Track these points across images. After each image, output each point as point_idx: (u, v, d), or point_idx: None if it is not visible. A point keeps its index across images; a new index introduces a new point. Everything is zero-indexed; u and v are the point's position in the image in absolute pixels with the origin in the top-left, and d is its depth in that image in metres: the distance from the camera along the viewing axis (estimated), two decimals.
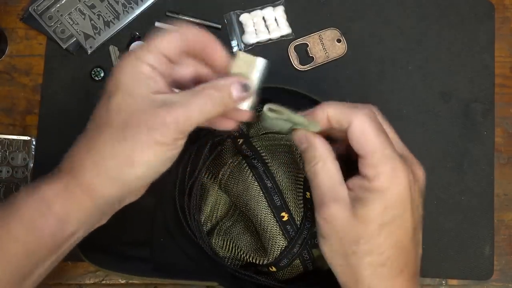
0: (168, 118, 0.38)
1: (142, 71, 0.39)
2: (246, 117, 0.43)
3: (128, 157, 0.38)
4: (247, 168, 0.53)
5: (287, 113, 0.41)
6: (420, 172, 0.43)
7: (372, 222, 0.40)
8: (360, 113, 0.41)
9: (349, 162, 0.43)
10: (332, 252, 0.41)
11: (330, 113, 0.42)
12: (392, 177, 0.40)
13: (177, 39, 0.41)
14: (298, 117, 0.42)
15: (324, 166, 0.42)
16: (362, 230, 0.40)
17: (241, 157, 0.53)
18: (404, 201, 0.40)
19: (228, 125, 0.44)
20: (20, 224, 0.39)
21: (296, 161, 0.53)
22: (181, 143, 0.40)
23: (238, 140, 0.54)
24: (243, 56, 0.42)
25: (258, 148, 0.53)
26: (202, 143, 0.54)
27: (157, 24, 0.63)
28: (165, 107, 0.38)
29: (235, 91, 0.40)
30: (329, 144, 0.42)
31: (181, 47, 0.41)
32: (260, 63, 0.42)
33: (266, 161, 0.53)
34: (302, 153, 0.43)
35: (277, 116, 0.42)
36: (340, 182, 0.41)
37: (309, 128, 0.42)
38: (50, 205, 0.39)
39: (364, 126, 0.40)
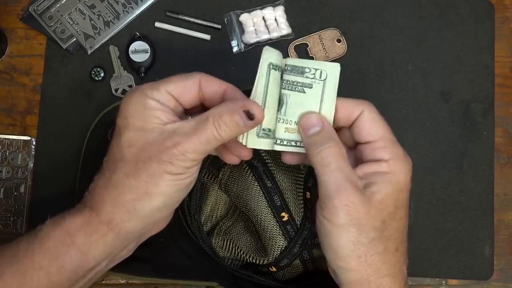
0: (175, 150, 0.38)
1: (148, 105, 0.40)
2: (247, 155, 0.43)
3: (143, 190, 0.39)
4: (247, 168, 0.53)
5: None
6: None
7: (389, 206, 0.39)
8: (369, 103, 0.42)
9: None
10: (350, 242, 0.38)
11: (340, 103, 0.42)
12: (405, 161, 0.41)
13: (189, 88, 0.41)
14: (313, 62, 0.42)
15: (342, 150, 0.40)
16: (381, 215, 0.39)
17: None
18: (409, 186, 0.41)
19: (233, 160, 0.44)
20: (44, 254, 0.40)
21: None
22: (194, 169, 0.41)
23: None
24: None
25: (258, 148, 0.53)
26: None
27: (157, 24, 0.63)
28: (173, 138, 0.39)
29: (240, 120, 0.39)
30: None
31: (192, 93, 0.42)
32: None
33: (266, 161, 0.53)
34: (311, 137, 0.41)
35: (275, 56, 0.41)
36: (353, 170, 0.40)
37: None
38: (73, 237, 0.40)
39: (374, 114, 0.42)
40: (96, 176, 0.42)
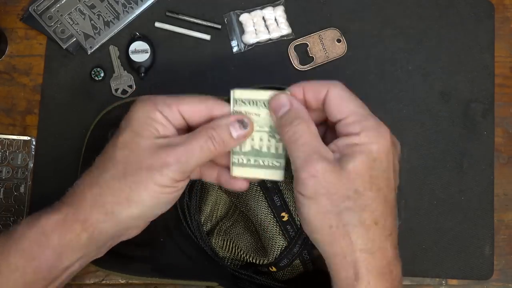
0: (168, 158, 0.39)
1: (154, 116, 0.41)
2: (243, 186, 0.45)
3: (125, 196, 0.40)
4: None
5: (255, 91, 0.42)
6: (396, 139, 0.42)
7: (362, 176, 0.38)
8: (336, 83, 0.42)
9: None
10: (320, 213, 0.38)
11: (306, 86, 0.42)
12: (378, 132, 0.39)
13: (200, 108, 0.42)
14: (265, 93, 0.42)
15: (309, 127, 0.40)
16: (354, 184, 0.38)
17: None
18: (388, 157, 0.40)
19: (243, 186, 0.45)
20: (19, 254, 0.40)
21: None
22: (181, 185, 0.41)
23: None
24: (240, 94, 0.43)
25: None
26: None
27: (157, 24, 0.63)
28: (166, 148, 0.39)
29: (234, 130, 0.41)
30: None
31: (202, 116, 0.42)
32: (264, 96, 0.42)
33: None
34: (280, 118, 0.41)
35: (247, 97, 0.42)
36: (323, 144, 0.40)
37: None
38: (48, 237, 0.40)
39: (341, 92, 0.41)
40: (84, 173, 0.42)
